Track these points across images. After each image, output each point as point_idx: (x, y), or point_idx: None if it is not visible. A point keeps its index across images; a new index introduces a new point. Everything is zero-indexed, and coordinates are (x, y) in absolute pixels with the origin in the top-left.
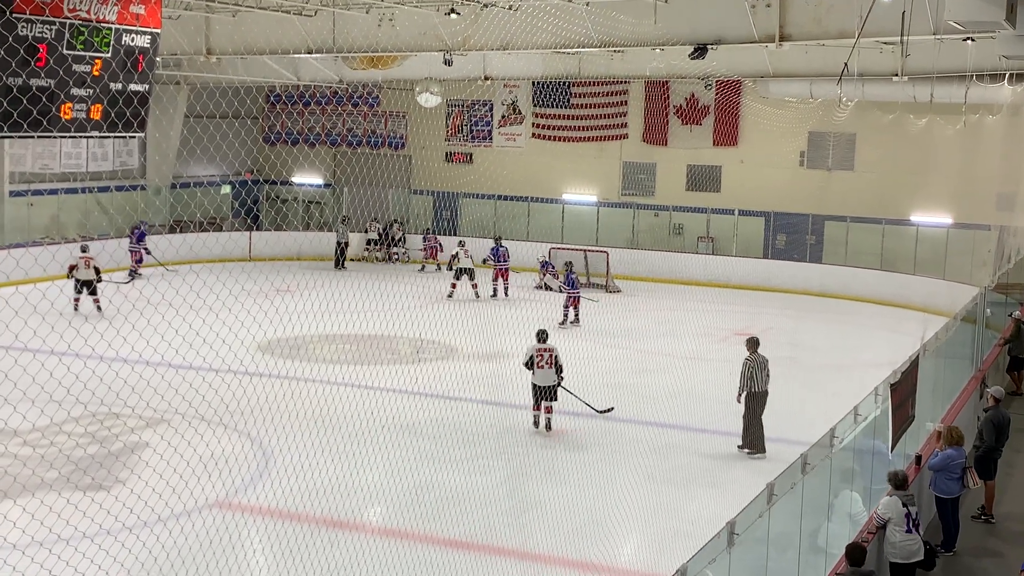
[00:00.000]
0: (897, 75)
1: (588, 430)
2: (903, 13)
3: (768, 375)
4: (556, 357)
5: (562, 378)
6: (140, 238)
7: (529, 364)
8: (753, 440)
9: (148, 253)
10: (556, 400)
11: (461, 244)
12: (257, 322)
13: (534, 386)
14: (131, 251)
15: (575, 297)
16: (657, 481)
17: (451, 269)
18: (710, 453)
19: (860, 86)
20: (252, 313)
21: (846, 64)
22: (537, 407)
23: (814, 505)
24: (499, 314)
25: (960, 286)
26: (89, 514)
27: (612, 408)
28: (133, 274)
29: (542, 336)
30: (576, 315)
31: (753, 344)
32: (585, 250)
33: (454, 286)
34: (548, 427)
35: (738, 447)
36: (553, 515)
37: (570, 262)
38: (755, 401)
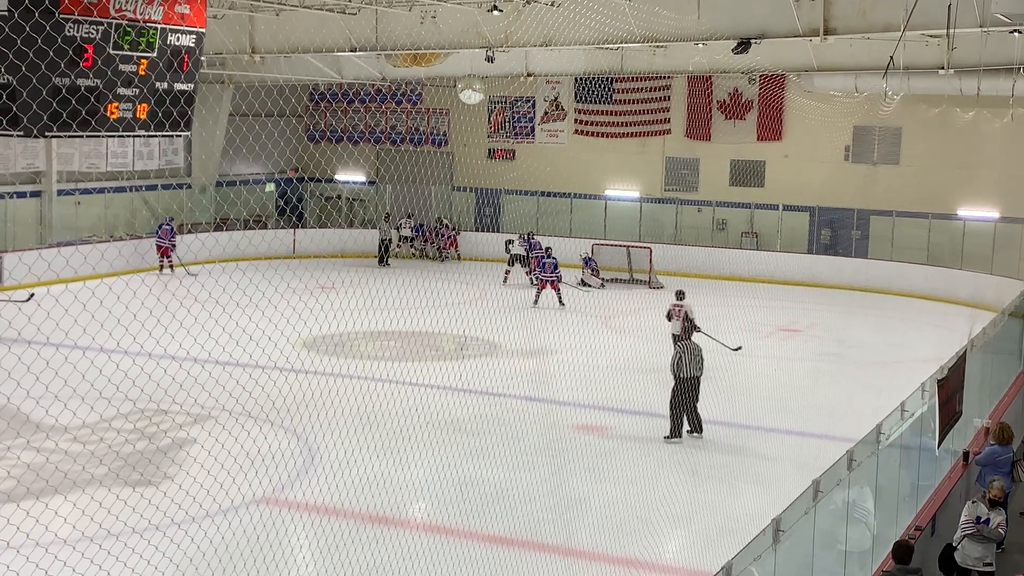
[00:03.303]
0: (943, 68)
1: (632, 426)
2: (949, 6)
3: (694, 360)
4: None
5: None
6: (170, 234)
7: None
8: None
9: (173, 249)
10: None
11: (519, 234)
12: (302, 319)
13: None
14: (158, 246)
15: (551, 281)
16: (701, 477)
17: (508, 252)
18: (755, 449)
19: (906, 80)
20: (297, 310)
21: (892, 57)
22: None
23: (860, 502)
24: (541, 311)
25: (1008, 280)
26: (138, 510)
27: (740, 347)
28: (163, 267)
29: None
30: (559, 298)
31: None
32: (628, 246)
33: (508, 272)
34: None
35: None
36: (597, 511)
37: (549, 247)
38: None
